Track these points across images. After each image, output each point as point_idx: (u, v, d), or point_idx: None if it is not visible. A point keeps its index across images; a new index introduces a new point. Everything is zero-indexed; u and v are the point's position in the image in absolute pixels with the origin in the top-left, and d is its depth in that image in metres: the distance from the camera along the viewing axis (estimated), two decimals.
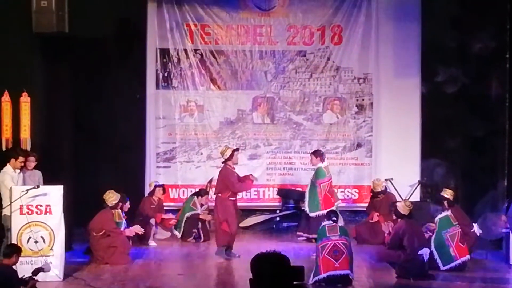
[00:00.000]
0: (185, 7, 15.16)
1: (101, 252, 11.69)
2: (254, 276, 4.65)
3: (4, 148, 11.77)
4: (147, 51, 15.07)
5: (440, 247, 11.22)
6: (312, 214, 13.12)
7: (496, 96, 14.19)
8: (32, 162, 11.53)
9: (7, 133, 11.80)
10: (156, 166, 15.18)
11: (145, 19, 14.99)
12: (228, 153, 12.14)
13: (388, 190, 14.25)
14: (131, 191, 13.11)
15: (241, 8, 15.22)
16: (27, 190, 10.37)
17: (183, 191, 15.18)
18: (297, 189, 14.98)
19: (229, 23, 15.25)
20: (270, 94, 15.40)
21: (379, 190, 13.94)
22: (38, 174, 11.66)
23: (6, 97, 11.79)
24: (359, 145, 15.31)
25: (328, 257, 10.16)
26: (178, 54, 15.19)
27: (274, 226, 14.89)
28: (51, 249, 10.42)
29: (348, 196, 15.20)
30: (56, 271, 10.23)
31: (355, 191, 15.26)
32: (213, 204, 12.57)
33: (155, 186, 13.99)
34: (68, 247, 11.61)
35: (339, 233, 10.35)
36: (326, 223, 10.53)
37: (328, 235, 10.32)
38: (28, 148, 11.76)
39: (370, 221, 13.84)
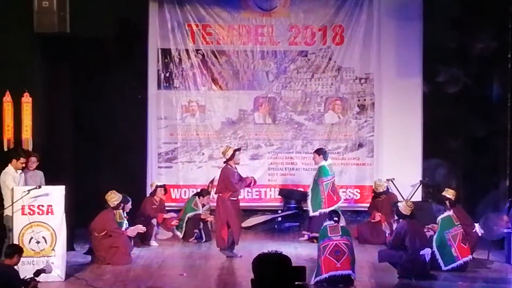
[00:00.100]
0: (186, 7, 15.14)
1: (103, 252, 11.68)
2: (255, 277, 4.65)
3: (5, 149, 11.76)
4: (149, 51, 15.06)
5: (442, 247, 11.21)
6: (315, 213, 13.13)
7: (497, 96, 14.17)
8: (33, 162, 11.53)
9: (9, 134, 11.79)
10: (158, 166, 15.17)
11: (147, 19, 14.98)
12: (230, 152, 12.14)
13: (389, 190, 14.23)
14: (133, 192, 13.08)
15: (242, 8, 15.20)
16: (28, 191, 10.37)
17: (185, 191, 15.17)
18: (298, 189, 14.98)
19: (230, 23, 15.23)
20: (272, 94, 15.38)
21: (381, 190, 13.92)
22: (39, 174, 11.65)
23: (7, 98, 11.78)
24: (360, 145, 15.29)
25: (330, 257, 10.16)
26: (179, 54, 15.17)
27: (275, 226, 14.86)
28: (52, 249, 10.42)
29: (349, 196, 15.18)
30: (57, 272, 10.24)
31: (356, 191, 15.25)
32: (215, 204, 12.57)
33: (157, 187, 13.98)
34: (70, 247, 11.62)
35: (340, 233, 10.35)
36: (328, 223, 10.53)
37: (329, 235, 10.32)
38: (30, 148, 11.75)
39: (372, 221, 13.83)
